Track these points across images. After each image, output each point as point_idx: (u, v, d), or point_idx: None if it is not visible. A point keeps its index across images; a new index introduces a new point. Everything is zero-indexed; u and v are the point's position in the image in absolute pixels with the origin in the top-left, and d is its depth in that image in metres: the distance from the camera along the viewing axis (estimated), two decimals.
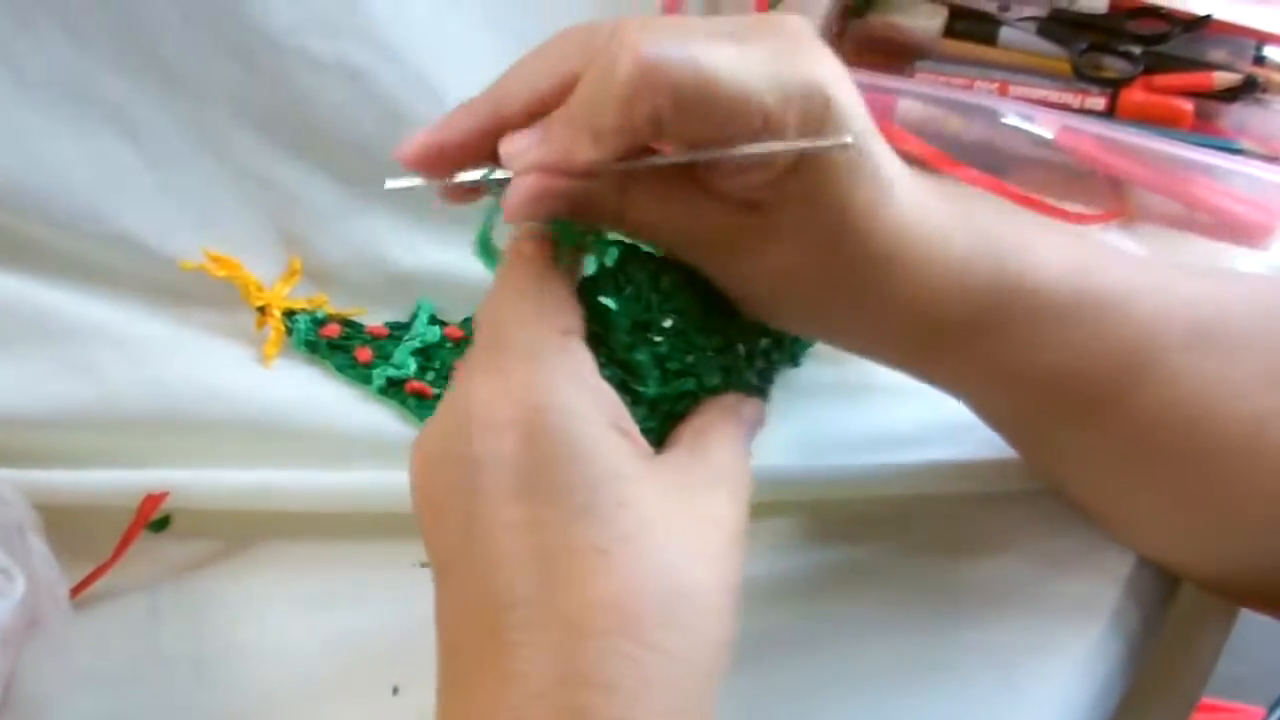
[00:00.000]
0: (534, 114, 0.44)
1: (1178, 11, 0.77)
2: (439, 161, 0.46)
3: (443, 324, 0.69)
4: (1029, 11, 0.80)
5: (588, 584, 0.39)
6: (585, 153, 0.42)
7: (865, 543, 0.60)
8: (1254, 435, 0.50)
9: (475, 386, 0.41)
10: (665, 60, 0.40)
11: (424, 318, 0.68)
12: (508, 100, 0.45)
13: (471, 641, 0.40)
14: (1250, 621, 0.74)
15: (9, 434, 0.60)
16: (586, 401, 0.42)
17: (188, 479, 0.59)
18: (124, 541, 0.58)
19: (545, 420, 0.40)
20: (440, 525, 0.41)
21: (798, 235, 0.45)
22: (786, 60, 0.42)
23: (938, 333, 0.49)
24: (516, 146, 0.44)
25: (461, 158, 0.46)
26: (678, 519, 0.41)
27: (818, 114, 0.42)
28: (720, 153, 0.43)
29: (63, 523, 0.56)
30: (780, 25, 0.44)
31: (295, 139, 0.67)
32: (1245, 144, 0.75)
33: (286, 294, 0.67)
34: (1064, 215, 0.76)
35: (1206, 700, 0.79)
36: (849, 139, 0.43)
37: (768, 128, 0.42)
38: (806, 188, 0.44)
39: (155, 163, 0.65)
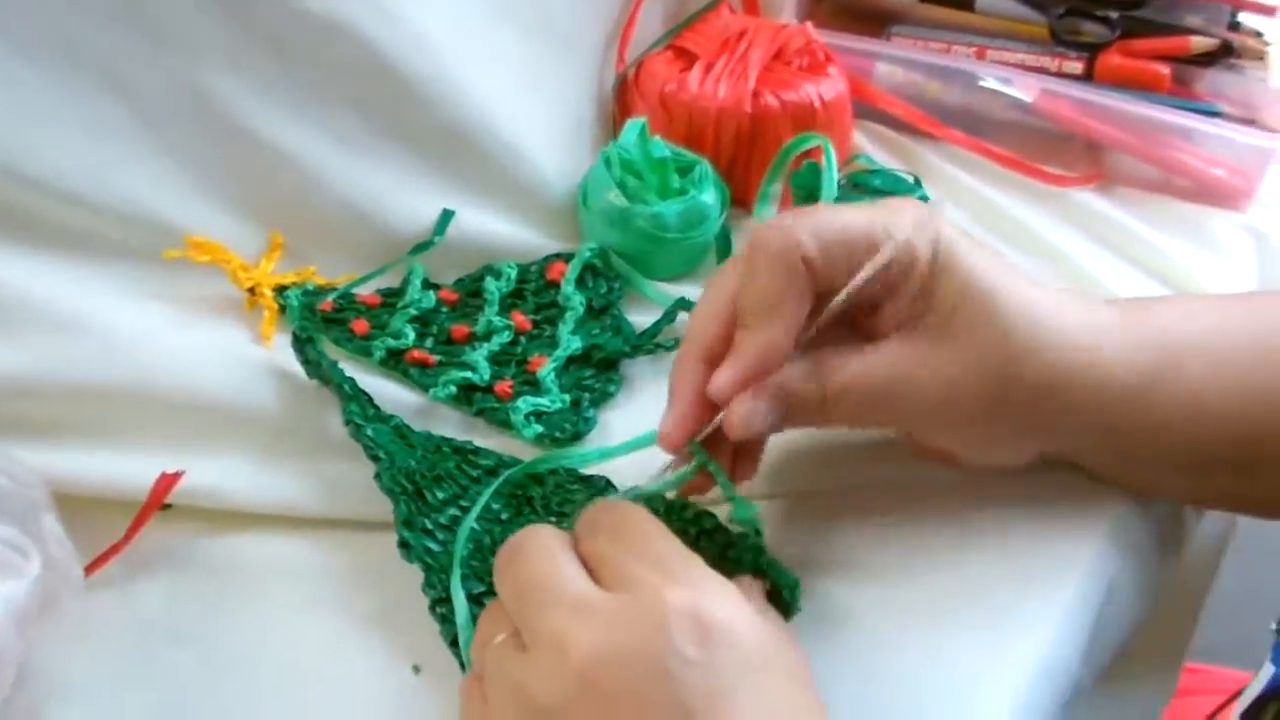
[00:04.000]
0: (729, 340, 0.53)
1: None
2: (693, 433, 0.53)
3: (436, 287, 0.68)
4: None
5: None
6: (772, 336, 0.51)
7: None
8: None
9: (669, 598, 0.44)
10: (798, 219, 0.52)
11: (417, 283, 0.68)
12: (705, 342, 0.54)
13: None
14: (1226, 590, 0.76)
15: (17, 406, 0.59)
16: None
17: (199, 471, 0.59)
18: (138, 520, 0.57)
19: (741, 623, 0.45)
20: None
21: (949, 371, 0.53)
22: (895, 206, 0.54)
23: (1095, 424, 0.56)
24: (719, 381, 0.52)
25: (702, 415, 0.53)
26: None
27: (931, 233, 0.52)
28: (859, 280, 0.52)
29: (71, 501, 0.55)
30: (892, 200, 0.55)
31: (289, 98, 0.66)
32: (1223, 107, 0.77)
33: (272, 270, 0.66)
34: (1042, 176, 0.77)
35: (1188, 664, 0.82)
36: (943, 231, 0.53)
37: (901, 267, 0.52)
38: (946, 333, 0.53)
39: (149, 123, 0.64)
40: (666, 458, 0.55)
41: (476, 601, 0.53)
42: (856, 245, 0.51)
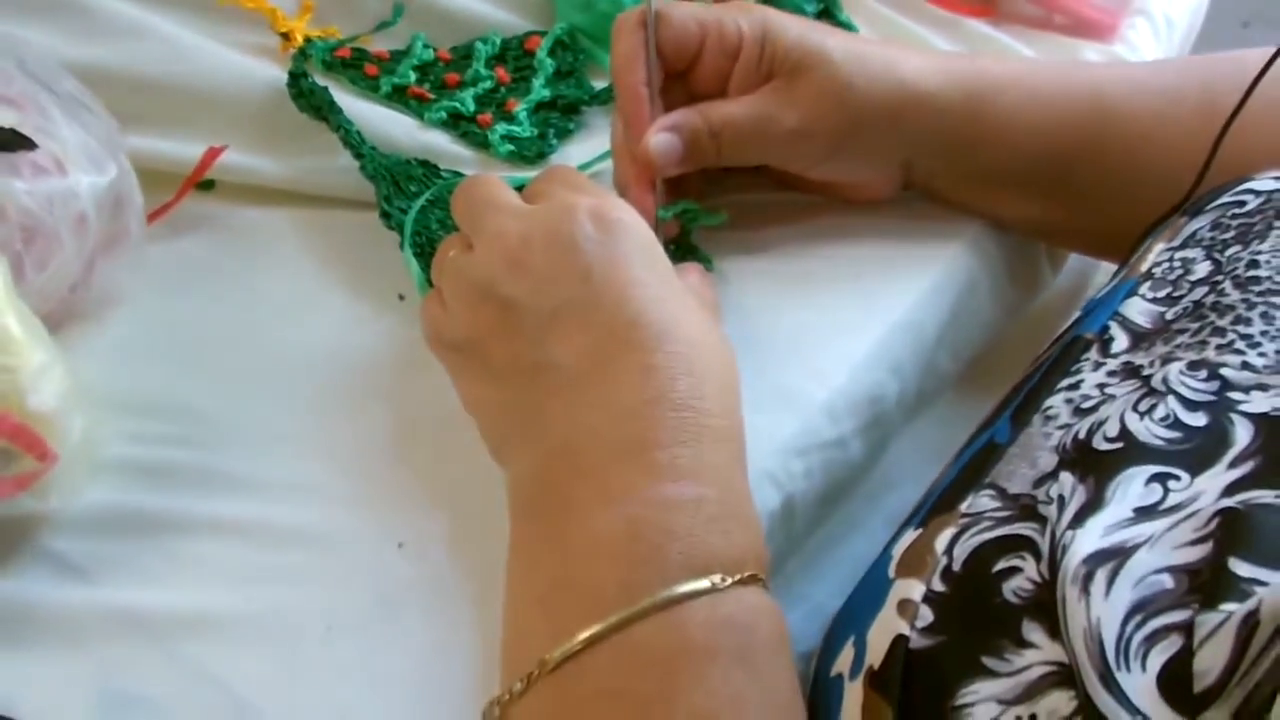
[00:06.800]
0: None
1: None
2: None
3: (435, 49, 0.83)
4: None
5: (692, 317, 0.56)
6: (629, 82, 0.67)
7: None
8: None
9: (578, 200, 0.57)
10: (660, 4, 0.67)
11: (419, 44, 0.83)
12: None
13: (609, 350, 0.54)
14: None
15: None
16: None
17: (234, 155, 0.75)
18: (189, 180, 0.72)
19: (634, 221, 0.57)
20: (557, 278, 0.55)
21: (801, 106, 0.66)
22: (737, 5, 0.69)
23: (927, 143, 0.69)
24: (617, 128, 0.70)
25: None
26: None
27: (759, 17, 0.67)
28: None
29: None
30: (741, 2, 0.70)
31: None
32: None
33: (304, 26, 0.81)
34: (945, 4, 0.91)
35: None
36: None
37: (724, 38, 0.67)
38: (792, 78, 0.66)
39: None
40: None
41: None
42: (694, 25, 0.67)
